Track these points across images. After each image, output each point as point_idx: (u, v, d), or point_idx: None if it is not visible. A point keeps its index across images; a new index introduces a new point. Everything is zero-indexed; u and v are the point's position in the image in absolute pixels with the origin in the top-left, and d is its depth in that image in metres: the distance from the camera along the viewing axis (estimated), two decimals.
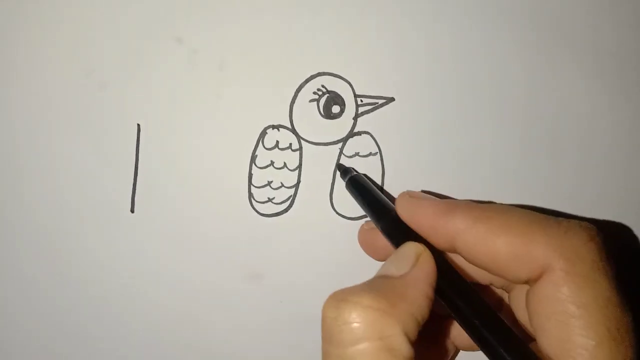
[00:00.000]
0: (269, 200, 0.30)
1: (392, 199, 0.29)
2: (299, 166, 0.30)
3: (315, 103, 0.30)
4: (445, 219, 0.23)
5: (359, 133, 0.31)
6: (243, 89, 0.30)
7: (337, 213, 0.31)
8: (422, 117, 0.30)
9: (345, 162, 0.30)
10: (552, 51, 0.31)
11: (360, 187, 0.28)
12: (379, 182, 0.31)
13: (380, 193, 0.28)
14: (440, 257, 0.23)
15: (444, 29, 0.30)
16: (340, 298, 0.21)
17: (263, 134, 0.30)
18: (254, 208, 0.30)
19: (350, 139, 0.30)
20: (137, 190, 0.30)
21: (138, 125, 0.30)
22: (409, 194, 0.25)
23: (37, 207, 0.30)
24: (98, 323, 0.31)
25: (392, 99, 0.30)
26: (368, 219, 0.30)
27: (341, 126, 0.30)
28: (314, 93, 0.30)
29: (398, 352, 0.19)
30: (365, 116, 0.30)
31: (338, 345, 0.20)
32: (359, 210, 0.30)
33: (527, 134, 0.31)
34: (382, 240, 0.27)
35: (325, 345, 0.20)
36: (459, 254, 0.24)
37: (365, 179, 0.29)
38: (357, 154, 0.30)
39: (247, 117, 0.30)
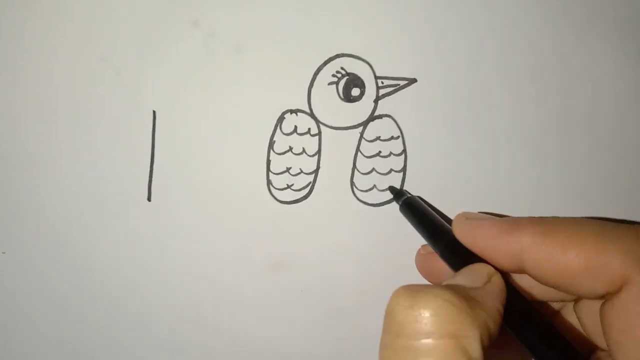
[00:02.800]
0: (288, 187, 0.30)
1: (447, 219, 0.28)
2: (318, 151, 0.30)
3: (334, 86, 0.29)
4: (509, 237, 0.22)
5: (380, 116, 0.29)
6: (260, 72, 0.29)
7: (358, 199, 0.30)
8: (445, 98, 0.29)
9: (365, 146, 0.29)
10: (584, 27, 0.29)
11: (415, 210, 0.28)
12: (401, 167, 0.30)
13: (436, 215, 0.27)
14: (505, 279, 0.22)
15: (468, 6, 0.29)
16: (417, 289, 0.19)
17: (281, 119, 0.29)
18: (272, 195, 0.30)
19: (371, 122, 0.29)
20: (153, 178, 0.30)
21: (154, 112, 0.30)
22: (465, 216, 0.24)
23: (53, 196, 0.30)
24: (115, 312, 0.30)
25: (414, 80, 0.29)
26: (393, 208, 0.29)
27: (361, 109, 0.29)
28: (333, 76, 0.29)
29: (470, 356, 0.18)
30: (386, 98, 0.29)
31: (408, 336, 0.18)
32: (380, 197, 0.30)
33: (554, 117, 0.30)
34: (441, 264, 0.26)
35: (389, 337, 0.19)
36: (526, 272, 0.22)
37: (420, 201, 0.28)
38: (378, 138, 0.29)
39: (265, 102, 0.29)
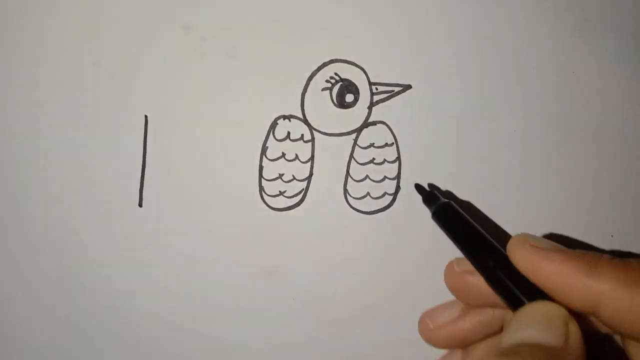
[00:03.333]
0: (281, 193, 0.29)
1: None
2: (311, 158, 0.29)
3: (327, 92, 0.29)
4: (588, 281, 0.20)
5: (374, 123, 0.29)
6: (253, 77, 0.29)
7: (351, 207, 0.29)
8: (440, 105, 0.29)
9: (359, 153, 0.29)
10: (579, 34, 0.29)
11: (455, 220, 0.24)
12: (394, 174, 0.29)
13: (480, 230, 0.24)
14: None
15: (463, 11, 0.29)
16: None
17: (274, 124, 0.29)
18: (264, 202, 0.29)
19: (365, 129, 0.29)
20: (145, 184, 0.29)
21: (145, 116, 0.29)
22: (529, 242, 0.22)
23: (43, 201, 0.29)
24: (105, 318, 0.30)
25: (409, 87, 0.29)
26: (386, 216, 0.29)
27: (355, 116, 0.29)
28: (327, 81, 0.29)
29: None
30: (380, 105, 0.29)
31: None
32: (373, 204, 0.29)
33: (552, 123, 0.29)
34: (481, 284, 0.23)
35: None
36: (599, 318, 0.21)
37: (457, 208, 0.25)
38: (372, 145, 0.29)
39: (257, 107, 0.29)
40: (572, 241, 0.29)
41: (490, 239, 0.24)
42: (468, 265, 0.24)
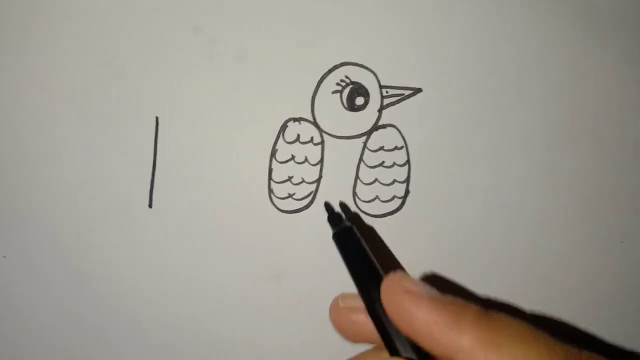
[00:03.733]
0: (290, 196, 0.29)
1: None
2: (321, 161, 0.29)
3: (338, 95, 0.29)
4: (449, 333, 0.20)
5: (384, 126, 0.29)
6: (263, 80, 0.29)
7: (360, 210, 0.29)
8: (450, 108, 0.29)
9: (369, 156, 0.29)
10: (591, 38, 0.29)
11: (352, 246, 0.24)
12: (404, 178, 0.29)
13: (374, 262, 0.23)
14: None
15: (473, 16, 0.29)
16: None
17: (284, 127, 0.29)
18: (274, 204, 0.29)
19: (375, 132, 0.29)
20: (155, 185, 0.29)
21: (156, 118, 0.29)
22: (399, 281, 0.21)
23: (55, 201, 0.30)
24: (115, 319, 0.30)
25: (419, 90, 0.29)
26: (395, 219, 0.29)
27: (365, 119, 0.29)
28: (337, 84, 0.29)
29: None
30: (390, 108, 0.29)
31: None
32: (382, 208, 0.29)
33: (562, 127, 0.29)
34: (360, 322, 0.23)
35: None
36: None
37: (359, 238, 0.25)
38: (381, 148, 0.29)
39: (267, 110, 0.29)
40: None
41: (382, 273, 0.23)
42: (353, 302, 0.24)
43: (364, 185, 0.29)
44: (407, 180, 0.29)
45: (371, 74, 0.29)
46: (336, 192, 0.29)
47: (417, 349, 0.21)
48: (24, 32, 0.29)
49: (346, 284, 0.29)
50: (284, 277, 0.30)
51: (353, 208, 0.29)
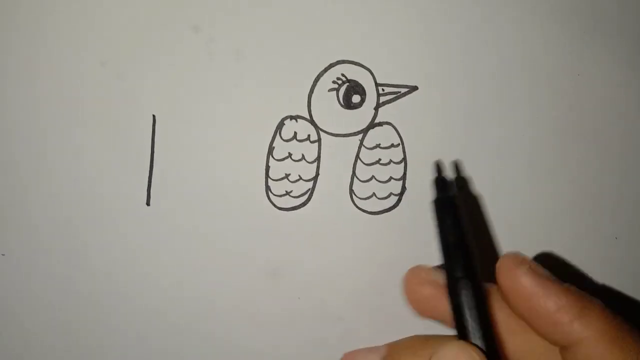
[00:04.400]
0: (287, 193, 0.29)
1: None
2: (318, 158, 0.29)
3: (334, 92, 0.29)
4: (575, 322, 0.20)
5: (381, 124, 0.29)
6: (260, 78, 0.29)
7: (357, 207, 0.29)
8: (446, 106, 0.29)
9: (365, 154, 0.29)
10: (586, 37, 0.29)
11: (451, 217, 0.22)
12: (400, 175, 0.29)
13: (470, 237, 0.22)
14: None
15: (470, 14, 0.29)
16: None
17: (280, 125, 0.29)
18: (271, 201, 0.30)
19: (371, 130, 0.29)
20: (152, 183, 0.30)
21: (153, 116, 0.29)
22: (524, 263, 0.21)
23: (52, 200, 0.30)
24: (112, 317, 0.30)
25: (416, 88, 0.29)
26: (392, 216, 0.29)
27: (362, 117, 0.29)
28: (333, 82, 0.29)
29: None
30: (386, 106, 0.29)
31: None
32: (379, 205, 0.29)
33: (557, 126, 0.29)
34: (440, 297, 0.22)
35: None
36: (568, 356, 0.20)
37: (461, 206, 0.22)
38: (378, 146, 0.29)
39: (264, 108, 0.29)
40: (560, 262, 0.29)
41: (475, 251, 0.22)
42: (434, 275, 0.23)
43: (360, 182, 0.29)
44: (404, 178, 0.29)
45: (367, 72, 0.29)
46: (333, 189, 0.29)
47: (488, 337, 0.20)
48: (22, 32, 0.29)
49: (342, 279, 0.29)
50: (282, 274, 0.30)
51: (350, 205, 0.29)
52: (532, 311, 0.20)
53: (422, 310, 0.23)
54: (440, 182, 0.23)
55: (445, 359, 0.19)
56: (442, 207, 0.22)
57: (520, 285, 0.20)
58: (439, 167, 0.25)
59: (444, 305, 0.21)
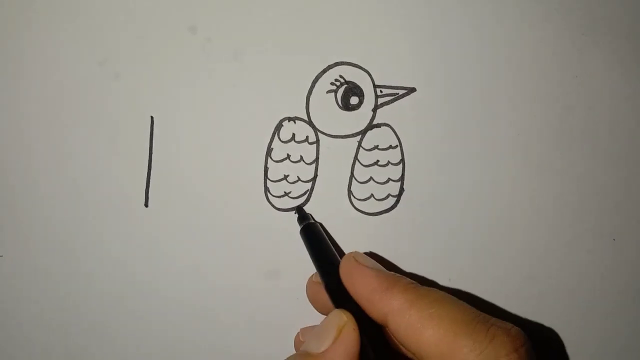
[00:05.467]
0: (286, 194, 0.30)
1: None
2: (316, 159, 0.29)
3: (332, 94, 0.29)
4: (381, 296, 0.23)
5: (379, 125, 0.29)
6: (258, 79, 0.29)
7: (355, 208, 0.30)
8: (444, 108, 0.29)
9: (363, 155, 0.29)
10: (584, 38, 0.29)
11: (313, 237, 0.28)
12: (398, 176, 0.29)
13: (332, 249, 0.27)
14: (373, 327, 0.24)
15: (467, 15, 0.29)
16: None
17: (279, 126, 0.29)
18: (270, 202, 0.30)
19: (369, 131, 0.29)
20: (150, 184, 0.30)
21: (151, 117, 0.29)
22: (355, 257, 0.25)
23: (50, 201, 0.30)
24: (111, 317, 0.30)
25: (414, 90, 0.29)
26: (390, 218, 0.29)
27: (360, 118, 0.29)
28: (332, 84, 0.29)
29: None
30: (385, 107, 0.29)
31: None
32: (377, 206, 0.29)
33: (555, 127, 0.29)
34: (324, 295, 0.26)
35: None
36: (390, 332, 0.24)
37: (321, 229, 0.28)
38: (376, 147, 0.29)
39: (263, 109, 0.29)
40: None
41: (337, 257, 0.26)
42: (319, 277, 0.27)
43: (359, 183, 0.29)
44: (402, 179, 0.29)
45: (365, 74, 0.29)
46: (331, 190, 0.30)
47: (352, 304, 0.24)
48: (19, 32, 0.29)
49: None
50: (280, 274, 0.30)
51: (348, 206, 0.30)
52: (358, 294, 0.24)
53: (319, 307, 0.28)
54: (302, 216, 0.29)
55: (326, 321, 0.23)
56: (310, 231, 0.28)
57: (348, 274, 0.25)
58: (299, 208, 0.29)
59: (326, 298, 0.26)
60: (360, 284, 0.24)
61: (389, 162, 0.29)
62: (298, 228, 0.29)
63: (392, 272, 0.25)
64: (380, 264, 0.26)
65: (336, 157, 0.29)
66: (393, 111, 0.29)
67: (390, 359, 0.23)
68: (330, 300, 0.25)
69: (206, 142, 0.29)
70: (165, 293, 0.30)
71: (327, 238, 0.28)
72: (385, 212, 0.30)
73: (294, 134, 0.29)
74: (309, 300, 0.28)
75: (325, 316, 0.24)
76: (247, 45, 0.29)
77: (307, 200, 0.30)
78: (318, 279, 0.27)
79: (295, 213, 0.29)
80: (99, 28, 0.29)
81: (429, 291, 0.23)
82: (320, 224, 0.29)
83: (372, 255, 0.29)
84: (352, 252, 0.26)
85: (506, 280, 0.30)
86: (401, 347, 0.24)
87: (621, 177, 0.30)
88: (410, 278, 0.25)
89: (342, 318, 0.23)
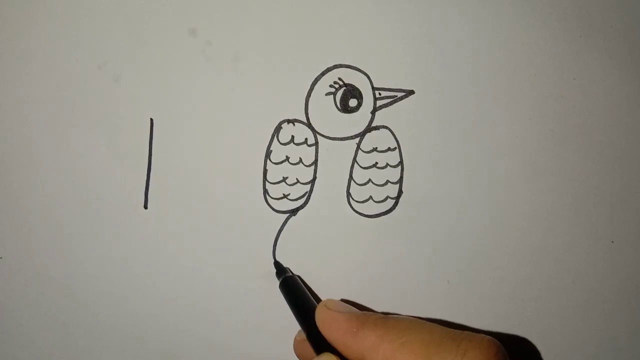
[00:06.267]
0: (285, 196, 0.30)
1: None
2: (315, 162, 0.30)
3: (331, 96, 0.29)
4: (354, 337, 0.24)
5: (377, 127, 0.29)
6: (257, 82, 0.29)
7: (354, 210, 0.30)
8: (442, 110, 0.29)
9: (362, 157, 0.29)
10: (581, 40, 0.29)
11: (292, 289, 0.28)
12: (397, 179, 0.29)
13: (311, 299, 0.28)
14: None
15: (465, 18, 0.29)
16: None
17: (278, 128, 0.29)
18: (269, 204, 0.30)
19: (368, 133, 0.29)
20: (150, 186, 0.30)
21: (151, 119, 0.30)
22: (326, 305, 0.26)
23: (50, 203, 0.30)
24: (111, 318, 0.30)
25: (412, 92, 0.29)
26: (388, 220, 0.29)
27: (359, 120, 0.29)
28: (331, 86, 0.29)
29: None
30: (383, 110, 0.29)
31: None
32: (376, 208, 0.30)
33: (553, 129, 0.29)
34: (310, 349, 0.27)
35: None
36: None
37: (300, 282, 0.29)
38: (375, 149, 0.29)
39: (262, 111, 0.29)
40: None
41: (315, 306, 0.27)
42: (303, 335, 0.28)
43: (357, 185, 0.30)
44: (400, 181, 0.30)
45: (364, 76, 0.29)
46: (330, 192, 0.30)
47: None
48: (19, 35, 0.29)
49: (339, 280, 0.30)
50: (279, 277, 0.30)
51: (347, 208, 0.30)
52: (335, 340, 0.25)
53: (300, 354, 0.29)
54: (281, 270, 0.29)
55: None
56: (288, 284, 0.29)
57: (322, 322, 0.25)
58: (277, 263, 0.30)
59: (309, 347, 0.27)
60: (333, 329, 0.25)
61: (387, 164, 0.29)
62: (297, 230, 0.29)
63: (362, 312, 0.25)
64: (357, 305, 0.27)
65: (335, 159, 0.30)
66: (392, 113, 0.29)
67: None
68: (313, 350, 0.26)
69: (205, 144, 0.30)
70: (164, 294, 0.30)
71: (305, 289, 0.28)
72: (384, 214, 0.30)
73: (293, 136, 0.29)
74: (297, 356, 0.29)
75: None
76: (246, 48, 0.29)
77: (306, 202, 0.30)
78: (301, 336, 0.28)
79: (275, 266, 0.30)
80: (99, 31, 0.29)
81: (398, 321, 0.24)
82: (299, 276, 0.30)
83: (346, 300, 0.30)
84: (324, 300, 0.26)
85: (504, 283, 0.30)
86: None
87: (620, 179, 0.30)
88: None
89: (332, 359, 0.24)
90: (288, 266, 0.30)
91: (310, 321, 0.26)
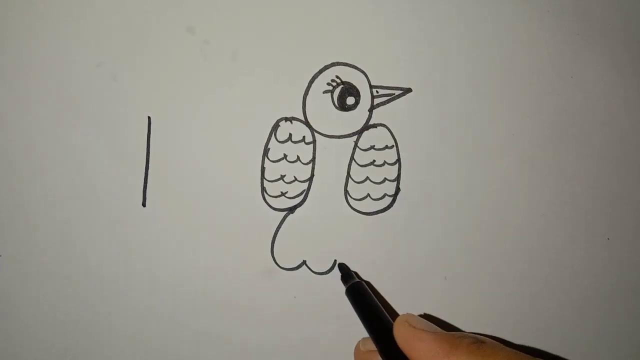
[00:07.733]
0: (282, 194, 0.30)
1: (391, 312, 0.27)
2: (313, 159, 0.30)
3: (329, 94, 0.29)
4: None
5: (375, 125, 0.29)
6: (255, 80, 0.29)
7: (352, 208, 0.30)
8: (440, 108, 0.29)
9: (360, 155, 0.29)
10: (578, 39, 0.29)
11: (362, 299, 0.27)
12: (394, 176, 0.30)
13: (382, 310, 0.27)
14: None
15: (463, 17, 0.29)
16: None
17: (275, 126, 0.29)
18: (266, 202, 0.30)
19: (366, 131, 0.30)
20: (148, 184, 0.30)
21: (149, 117, 0.30)
22: (408, 322, 0.25)
23: (49, 201, 0.30)
24: (109, 316, 0.30)
25: (409, 90, 0.29)
26: (386, 217, 0.29)
27: (356, 118, 0.29)
28: (328, 84, 0.29)
29: None
30: (381, 108, 0.29)
31: None
32: (373, 206, 0.30)
33: (550, 127, 0.30)
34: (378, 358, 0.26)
35: None
36: None
37: (367, 288, 0.28)
38: (372, 147, 0.29)
39: (260, 109, 0.29)
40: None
41: (388, 319, 0.26)
42: (371, 346, 0.27)
43: (355, 183, 0.30)
44: (398, 179, 0.30)
45: (362, 74, 0.29)
46: (328, 190, 0.30)
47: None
48: (18, 34, 0.29)
49: (338, 279, 0.30)
50: (277, 274, 0.30)
51: (344, 206, 0.30)
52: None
53: None
54: (347, 275, 0.29)
55: None
56: (354, 291, 0.28)
57: (404, 340, 0.24)
58: (342, 266, 0.30)
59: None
60: (420, 349, 0.23)
61: (385, 162, 0.30)
62: (295, 227, 0.29)
63: (451, 333, 0.24)
64: (435, 322, 0.25)
65: (333, 157, 0.30)
66: (389, 111, 0.29)
67: None
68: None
69: (203, 142, 0.30)
70: (162, 292, 0.30)
71: (375, 299, 0.27)
72: (382, 212, 0.30)
73: (290, 134, 0.30)
74: None
75: None
76: (244, 46, 0.29)
77: (304, 200, 0.30)
78: (366, 347, 0.27)
79: (339, 270, 0.29)
80: (97, 30, 0.29)
81: (494, 349, 0.23)
82: (367, 282, 0.29)
83: (425, 316, 0.29)
84: (404, 316, 0.25)
85: (500, 279, 0.30)
86: None
87: (615, 177, 0.30)
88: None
89: None
90: (285, 265, 0.30)
91: (386, 337, 0.25)
